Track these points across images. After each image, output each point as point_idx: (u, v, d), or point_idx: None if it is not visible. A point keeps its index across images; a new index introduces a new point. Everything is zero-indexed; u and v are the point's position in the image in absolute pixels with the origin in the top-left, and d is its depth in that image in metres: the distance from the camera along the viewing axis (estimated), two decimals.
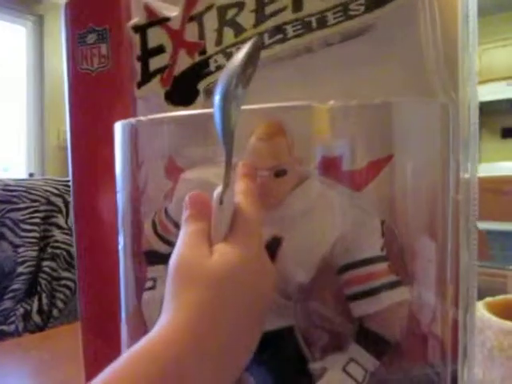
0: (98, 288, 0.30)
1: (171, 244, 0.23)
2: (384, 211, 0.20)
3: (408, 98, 0.18)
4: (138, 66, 0.24)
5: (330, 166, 0.20)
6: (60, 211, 0.87)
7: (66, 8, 0.27)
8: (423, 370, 0.20)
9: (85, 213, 0.29)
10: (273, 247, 0.18)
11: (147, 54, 0.23)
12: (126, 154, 0.23)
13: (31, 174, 2.56)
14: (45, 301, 0.83)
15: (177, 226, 0.22)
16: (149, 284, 0.23)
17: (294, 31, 0.20)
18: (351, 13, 0.19)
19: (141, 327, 0.23)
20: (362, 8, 0.19)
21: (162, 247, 0.23)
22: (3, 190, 0.85)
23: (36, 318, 0.80)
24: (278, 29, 0.20)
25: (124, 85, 0.25)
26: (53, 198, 0.87)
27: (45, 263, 0.85)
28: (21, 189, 0.87)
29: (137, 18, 0.24)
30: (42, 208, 0.86)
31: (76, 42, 0.27)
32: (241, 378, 0.21)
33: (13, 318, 0.79)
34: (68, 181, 0.93)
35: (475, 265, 0.22)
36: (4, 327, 0.77)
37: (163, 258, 0.23)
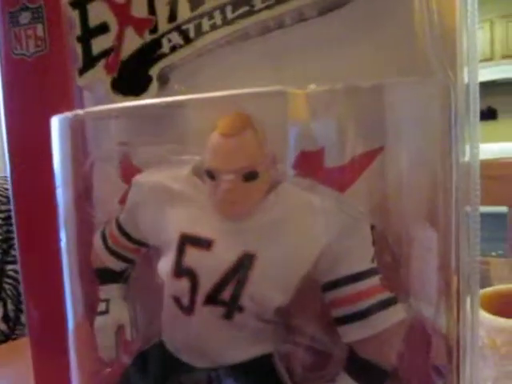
0: (43, 295, 0.26)
1: (126, 260, 0.19)
2: (374, 211, 0.17)
3: (403, 79, 0.15)
4: (78, 48, 0.20)
5: (309, 163, 0.16)
6: None
7: None
8: None
9: (25, 211, 0.26)
10: (244, 266, 0.15)
11: (88, 34, 0.20)
12: (65, 151, 0.19)
13: None
14: (10, 307, 0.78)
15: (129, 238, 0.19)
16: (101, 307, 0.19)
17: (262, 2, 0.17)
18: None
19: (91, 347, 0.20)
20: None
21: (114, 264, 0.19)
22: None
23: (2, 326, 0.76)
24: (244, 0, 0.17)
25: (67, 71, 0.21)
26: None
27: (9, 267, 0.80)
28: None
29: None
30: (2, 208, 0.81)
31: (7, 23, 0.23)
32: None
33: None
34: None
35: (478, 255, 0.19)
36: None
37: (117, 277, 0.20)
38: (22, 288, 0.27)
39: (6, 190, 0.83)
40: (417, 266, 0.17)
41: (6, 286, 0.79)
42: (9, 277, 0.80)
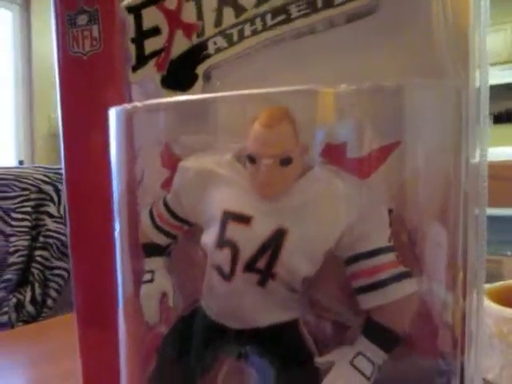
0: (92, 278, 0.29)
1: (170, 235, 0.22)
2: (392, 199, 0.19)
3: (422, 80, 0.17)
4: (132, 48, 0.22)
5: (334, 154, 0.19)
6: (51, 200, 0.86)
7: None
8: (432, 362, 0.19)
9: (78, 201, 0.28)
10: (278, 239, 0.17)
11: (142, 35, 0.22)
12: (121, 141, 0.22)
13: (21, 162, 2.52)
14: (38, 290, 0.82)
15: (175, 217, 0.21)
16: (147, 277, 0.22)
17: (298, 11, 0.19)
18: None
19: (138, 318, 0.22)
20: None
21: (160, 239, 0.22)
22: None
23: (29, 308, 0.79)
24: (282, 9, 0.19)
25: (118, 68, 0.24)
26: (43, 187, 0.86)
27: (37, 252, 0.84)
28: (10, 177, 0.85)
29: None
30: (32, 196, 0.84)
31: (66, 24, 0.25)
32: (244, 373, 0.21)
33: (5, 309, 0.78)
34: (59, 168, 0.92)
35: (484, 251, 0.21)
36: None
37: (161, 250, 0.22)
38: (71, 269, 0.30)
39: (36, 179, 0.87)
40: (429, 254, 0.20)
41: (34, 271, 0.83)
42: (37, 262, 0.83)
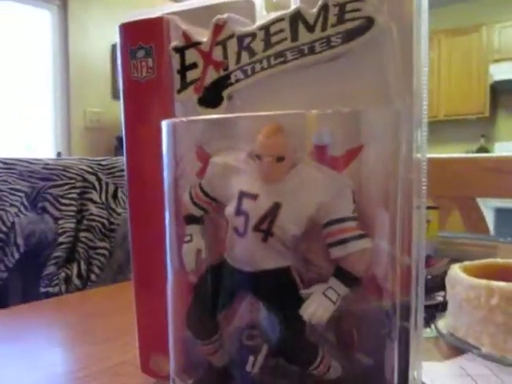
0: (147, 250, 0.39)
1: (203, 209, 0.31)
2: (354, 185, 0.28)
3: (370, 107, 0.26)
4: (177, 77, 0.32)
5: (318, 153, 0.28)
6: (94, 188, 0.97)
7: (121, 29, 0.35)
8: (381, 301, 0.28)
9: (138, 193, 0.38)
10: (275, 210, 0.26)
11: (184, 68, 0.31)
12: (170, 145, 0.31)
13: (59, 153, 2.68)
14: (83, 267, 0.94)
15: (207, 196, 0.30)
16: (187, 238, 0.31)
17: (292, 55, 0.28)
18: (332, 44, 0.27)
19: (181, 268, 0.32)
20: (340, 40, 0.27)
21: (196, 212, 0.31)
22: (44, 168, 0.95)
23: (76, 282, 0.91)
24: (280, 54, 0.28)
25: (166, 90, 0.33)
26: (87, 176, 0.97)
27: (82, 234, 0.95)
28: (59, 167, 0.97)
29: (176, 42, 0.32)
30: (78, 185, 0.95)
31: (129, 56, 0.35)
32: (254, 305, 0.30)
33: (56, 281, 0.89)
34: (101, 160, 1.03)
35: (423, 238, 0.29)
36: (49, 289, 0.88)
37: (197, 220, 0.32)
38: (130, 245, 0.39)
39: (81, 169, 0.98)
40: (377, 223, 0.28)
41: (80, 250, 0.94)
42: (82, 242, 0.95)
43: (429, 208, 0.76)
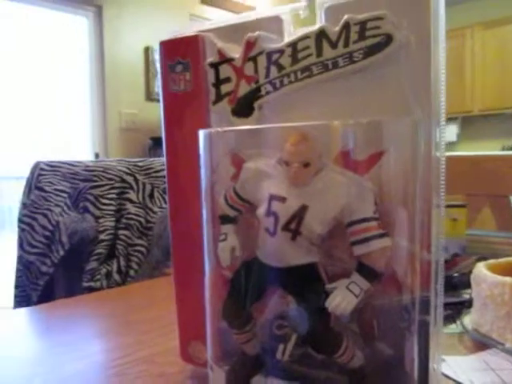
0: (186, 248, 0.42)
1: (236, 210, 0.34)
2: (375, 187, 0.30)
3: (389, 117, 0.28)
4: (212, 90, 0.35)
5: (342, 159, 0.30)
6: (131, 188, 1.02)
7: (161, 46, 0.39)
8: (400, 295, 0.30)
9: (177, 194, 0.41)
10: (302, 211, 0.29)
11: (219, 82, 0.34)
12: (206, 152, 0.34)
13: (97, 154, 2.79)
14: (122, 263, 0.99)
15: (241, 198, 0.33)
16: (222, 237, 0.34)
17: (317, 70, 0.31)
18: (354, 59, 0.29)
19: (217, 265, 0.35)
20: (361, 56, 0.29)
21: (230, 212, 0.34)
22: (85, 170, 1.00)
23: (116, 277, 0.96)
24: (306, 68, 0.31)
25: (202, 102, 0.36)
26: (125, 177, 1.02)
27: (120, 232, 1.00)
28: (99, 169, 1.02)
29: (212, 58, 0.35)
30: (116, 185, 1.01)
31: (168, 70, 0.38)
32: (284, 298, 0.32)
33: (98, 277, 0.95)
34: (138, 161, 1.08)
35: (442, 233, 0.31)
36: (91, 283, 0.94)
37: (231, 220, 0.35)
38: (170, 241, 0.42)
39: (120, 171, 1.03)
40: (397, 223, 0.30)
41: (119, 247, 0.99)
42: (121, 240, 1.00)
43: (456, 206, 0.77)
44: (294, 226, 0.29)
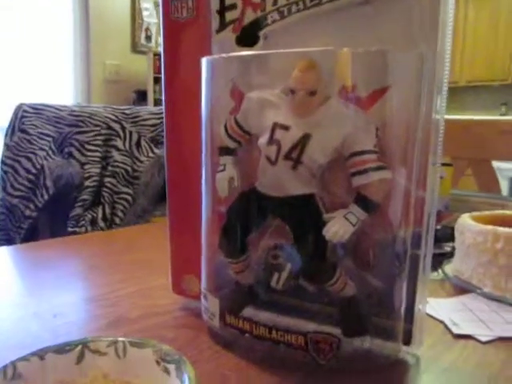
0: (182, 186, 0.41)
1: (236, 141, 0.34)
2: (378, 122, 0.30)
3: (396, 48, 0.28)
4: (216, 17, 0.34)
5: (346, 92, 0.30)
6: (118, 135, 1.00)
7: None
8: (392, 230, 0.31)
9: (174, 130, 0.40)
10: (304, 140, 0.29)
11: (224, 9, 0.34)
12: (208, 80, 0.34)
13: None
14: (107, 210, 0.99)
15: (241, 128, 0.33)
16: (220, 168, 0.34)
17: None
18: None
19: (215, 195, 0.35)
20: None
21: (230, 143, 0.34)
22: (70, 114, 0.98)
23: (101, 224, 0.96)
24: None
25: (205, 30, 0.35)
26: (112, 124, 1.00)
27: (106, 179, 0.99)
28: (85, 114, 1.00)
29: None
30: (103, 132, 0.99)
31: None
32: (281, 227, 0.33)
33: (82, 222, 0.94)
34: (125, 109, 1.06)
35: (436, 193, 0.32)
36: (76, 229, 0.93)
37: (231, 151, 0.35)
38: (166, 191, 0.41)
39: (106, 117, 1.01)
40: (396, 157, 0.30)
41: (105, 194, 0.99)
42: (106, 187, 0.99)
43: (443, 165, 0.78)
44: (295, 154, 0.30)
